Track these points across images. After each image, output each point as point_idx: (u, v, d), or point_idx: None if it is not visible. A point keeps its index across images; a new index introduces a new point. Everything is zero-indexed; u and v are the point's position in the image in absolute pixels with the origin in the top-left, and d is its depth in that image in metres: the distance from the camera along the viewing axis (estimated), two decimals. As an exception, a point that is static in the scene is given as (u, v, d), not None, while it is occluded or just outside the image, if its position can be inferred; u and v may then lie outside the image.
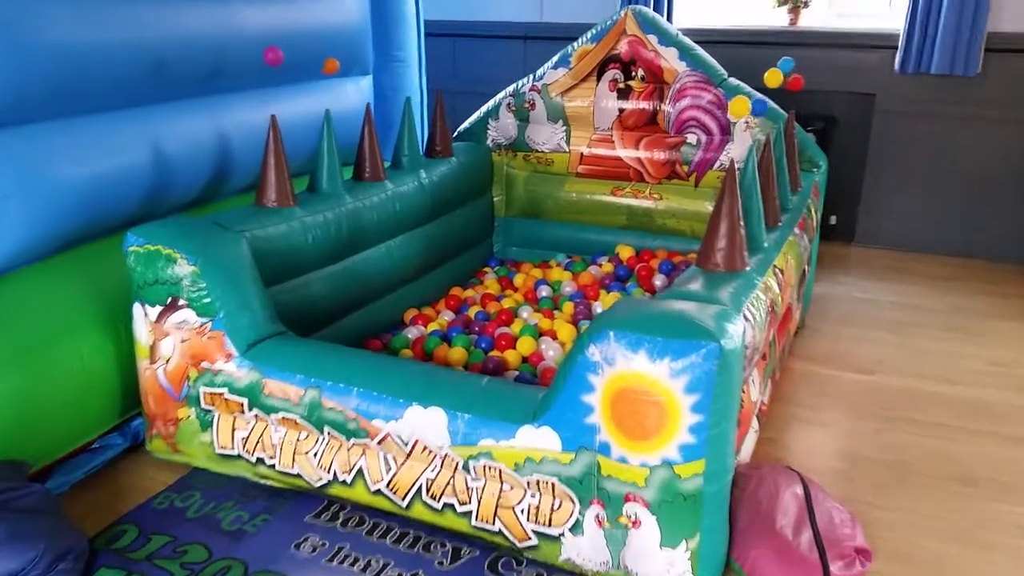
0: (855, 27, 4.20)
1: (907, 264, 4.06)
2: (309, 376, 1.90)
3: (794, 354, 2.96)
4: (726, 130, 3.10)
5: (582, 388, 1.62)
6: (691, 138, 3.16)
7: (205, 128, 2.55)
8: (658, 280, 2.95)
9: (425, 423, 1.77)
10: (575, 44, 3.30)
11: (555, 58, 3.34)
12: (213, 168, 2.59)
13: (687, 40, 3.17)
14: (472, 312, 2.84)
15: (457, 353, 2.43)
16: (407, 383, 1.83)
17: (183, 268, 1.97)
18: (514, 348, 2.48)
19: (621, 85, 3.23)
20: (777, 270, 2.15)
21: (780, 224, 2.39)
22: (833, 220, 4.36)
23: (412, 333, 2.62)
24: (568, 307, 2.81)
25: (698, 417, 1.54)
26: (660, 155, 3.21)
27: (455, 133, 3.53)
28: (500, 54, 4.81)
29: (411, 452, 1.81)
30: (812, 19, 4.36)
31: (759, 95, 3.02)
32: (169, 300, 2.00)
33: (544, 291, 3.00)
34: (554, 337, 2.57)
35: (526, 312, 2.80)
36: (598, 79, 3.26)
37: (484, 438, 1.72)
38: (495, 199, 3.54)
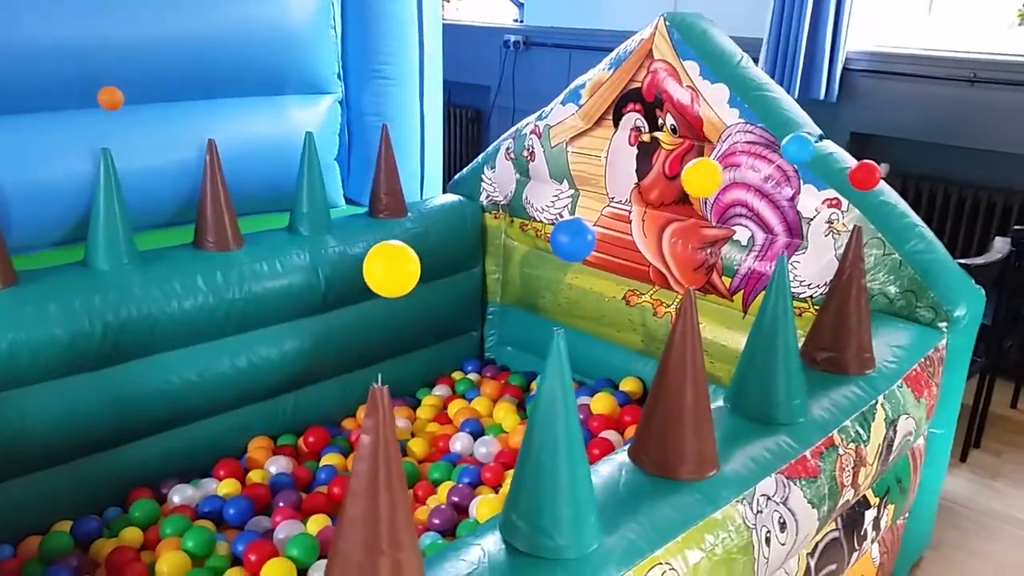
0: None
1: None
2: None
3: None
4: (796, 229, 1.82)
5: None
6: (740, 234, 1.92)
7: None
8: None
9: None
10: (593, 71, 2.18)
11: (568, 89, 2.24)
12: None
13: (753, 71, 1.91)
14: (324, 462, 1.89)
15: (167, 563, 1.50)
16: None
17: None
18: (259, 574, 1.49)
19: (645, 137, 2.06)
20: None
21: None
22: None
23: (182, 495, 1.73)
24: (443, 491, 1.76)
25: None
26: (694, 252, 2.00)
27: (452, 182, 2.57)
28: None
29: None
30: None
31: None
32: None
33: (459, 444, 1.97)
34: (344, 561, 1.54)
35: (389, 482, 1.79)
36: (615, 124, 2.12)
37: None
38: (493, 277, 2.52)
